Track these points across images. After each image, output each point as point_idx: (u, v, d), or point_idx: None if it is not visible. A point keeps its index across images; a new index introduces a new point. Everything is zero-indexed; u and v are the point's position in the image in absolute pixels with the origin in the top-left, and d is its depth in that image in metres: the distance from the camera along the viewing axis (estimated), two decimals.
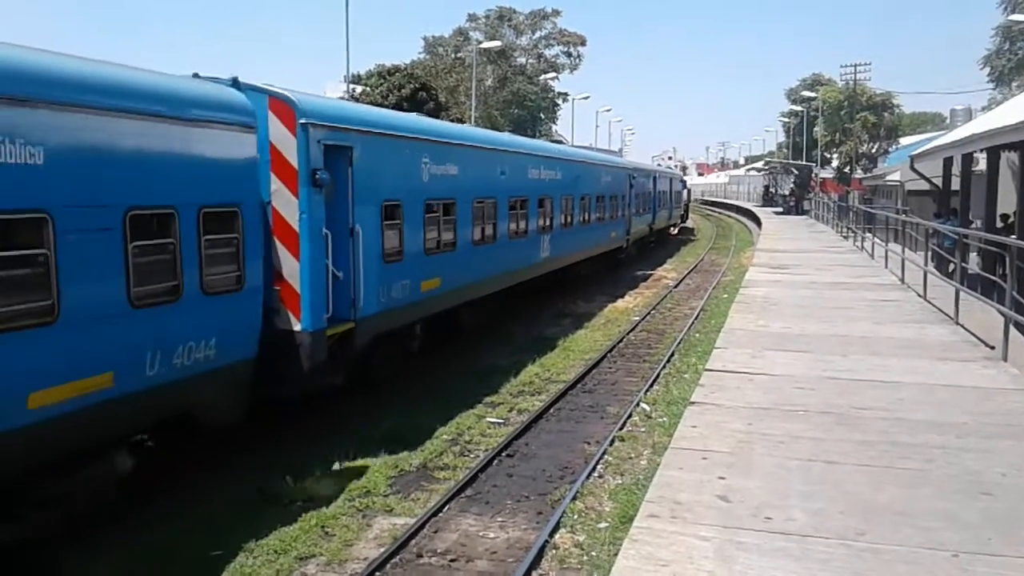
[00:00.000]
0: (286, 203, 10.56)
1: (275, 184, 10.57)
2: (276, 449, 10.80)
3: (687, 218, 59.57)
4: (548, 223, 21.80)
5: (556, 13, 72.48)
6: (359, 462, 10.49)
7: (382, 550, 8.12)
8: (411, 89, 56.72)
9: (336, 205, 11.39)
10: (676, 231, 52.46)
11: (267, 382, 10.20)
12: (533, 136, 59.41)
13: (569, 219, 24.05)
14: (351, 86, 47.31)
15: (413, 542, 8.36)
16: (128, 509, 8.70)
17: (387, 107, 48.75)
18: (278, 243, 10.55)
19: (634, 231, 34.68)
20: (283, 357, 10.39)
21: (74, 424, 7.43)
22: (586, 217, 26.24)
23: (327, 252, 10.99)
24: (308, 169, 10.63)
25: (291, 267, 10.54)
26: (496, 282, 17.93)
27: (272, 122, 10.49)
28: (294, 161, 10.56)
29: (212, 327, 9.10)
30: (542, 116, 73.87)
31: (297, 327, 10.55)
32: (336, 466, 10.38)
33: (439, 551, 8.23)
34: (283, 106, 10.61)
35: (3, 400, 6.81)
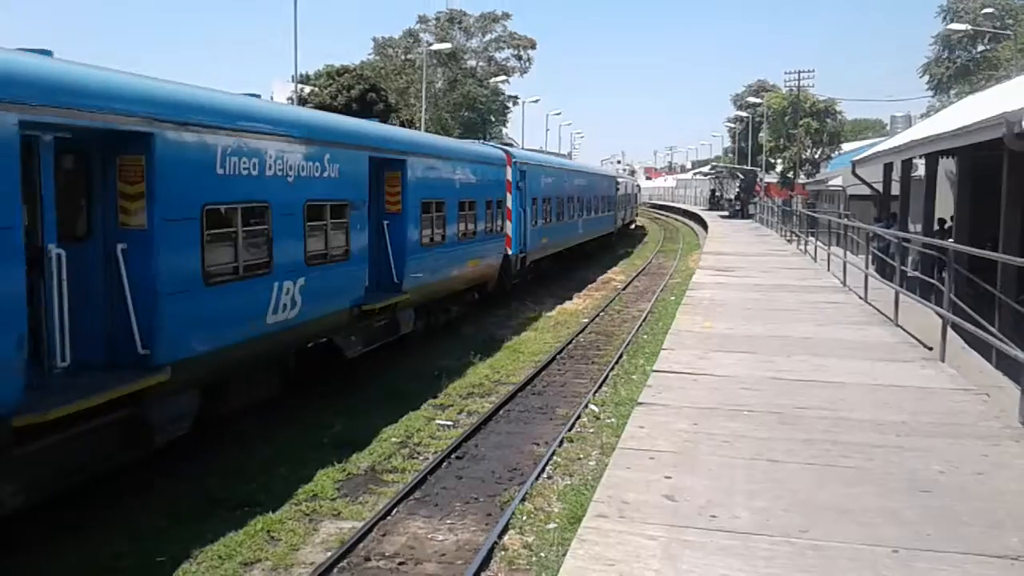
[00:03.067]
0: (505, 198, 23.03)
1: None
2: (222, 453, 10.63)
3: (637, 214, 71.64)
4: (582, 214, 34.81)
5: (506, 16, 72.48)
6: (307, 466, 10.36)
7: (329, 554, 8.04)
8: (360, 90, 56.43)
9: (520, 199, 23.97)
10: (632, 225, 63.47)
11: (501, 277, 22.70)
12: (483, 138, 59.55)
13: (590, 212, 37.08)
14: (299, 86, 46.76)
15: (361, 546, 8.29)
16: (71, 515, 8.50)
17: (336, 107, 48.51)
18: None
19: (617, 222, 48.67)
20: (506, 264, 22.98)
21: (470, 275, 20.05)
22: (597, 211, 39.48)
23: (520, 221, 23.95)
24: (515, 182, 23.64)
25: (507, 227, 23.09)
26: (563, 244, 31.23)
27: None
28: (511, 179, 23.38)
29: (494, 248, 21.77)
30: (492, 119, 73.88)
31: (510, 252, 23.24)
32: (283, 470, 10.25)
33: (387, 554, 8.18)
34: (507, 154, 24.03)
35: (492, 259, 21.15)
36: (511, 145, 56.69)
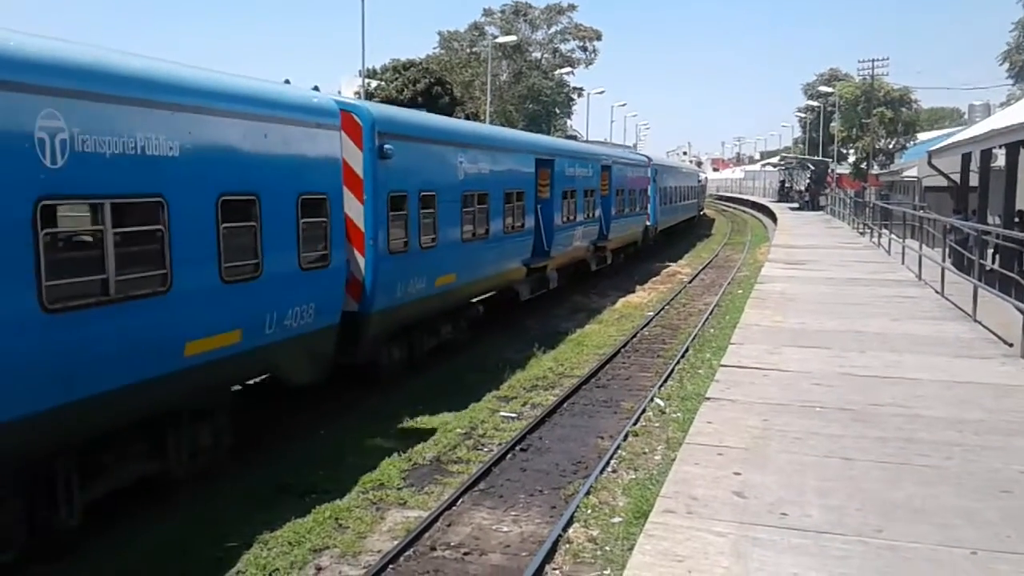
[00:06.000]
0: (647, 188, 34.59)
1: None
2: (290, 442, 10.84)
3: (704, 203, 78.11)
4: (681, 200, 45.96)
5: (572, 8, 72.42)
6: (373, 455, 10.50)
7: (396, 543, 8.13)
8: (426, 84, 56.81)
9: (654, 189, 35.78)
10: (702, 212, 68.29)
11: (644, 238, 34.26)
12: (548, 131, 59.53)
13: (685, 199, 48.19)
14: (366, 81, 47.30)
15: (427, 535, 8.37)
16: (143, 504, 8.75)
17: (401, 101, 48.99)
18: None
19: (699, 207, 59.66)
20: (646, 231, 34.41)
21: (630, 236, 31.92)
22: (689, 198, 50.27)
23: (653, 203, 35.68)
24: (652, 178, 35.39)
25: (648, 207, 34.73)
26: (673, 220, 43.12)
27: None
28: (649, 175, 34.99)
29: (641, 220, 33.56)
30: (557, 111, 73.81)
31: (648, 224, 34.69)
32: (350, 459, 10.39)
33: (452, 544, 8.24)
34: (648, 158, 36.78)
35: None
36: (575, 138, 57.24)
